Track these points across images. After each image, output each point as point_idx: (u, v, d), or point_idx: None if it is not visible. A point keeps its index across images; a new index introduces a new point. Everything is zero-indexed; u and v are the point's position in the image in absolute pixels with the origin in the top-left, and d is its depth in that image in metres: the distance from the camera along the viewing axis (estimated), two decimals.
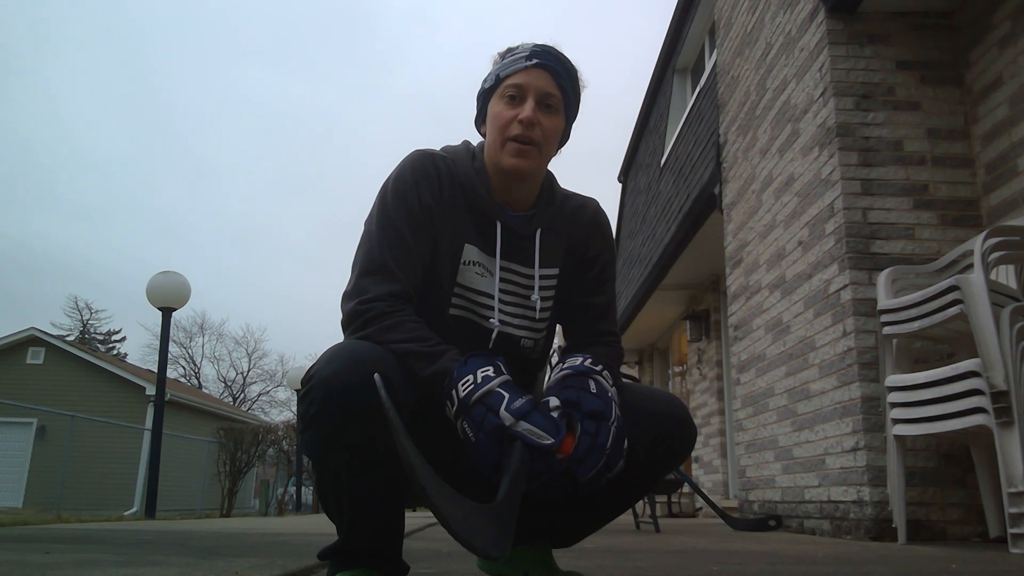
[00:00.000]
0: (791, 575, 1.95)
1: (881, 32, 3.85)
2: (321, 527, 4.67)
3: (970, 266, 3.00)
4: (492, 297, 1.43)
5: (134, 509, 14.71)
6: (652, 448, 1.38)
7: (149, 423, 14.43)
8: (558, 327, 1.58)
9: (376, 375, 1.13)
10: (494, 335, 1.43)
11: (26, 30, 53.57)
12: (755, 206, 5.00)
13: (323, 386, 1.18)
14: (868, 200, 3.63)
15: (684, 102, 8.48)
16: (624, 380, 1.46)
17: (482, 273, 1.43)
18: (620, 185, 12.30)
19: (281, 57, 66.65)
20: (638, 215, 10.23)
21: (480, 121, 1.50)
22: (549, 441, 1.18)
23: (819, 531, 3.80)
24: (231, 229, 61.00)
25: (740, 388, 5.25)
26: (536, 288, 1.47)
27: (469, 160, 1.46)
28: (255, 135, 65.59)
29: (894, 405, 3.08)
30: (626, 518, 5.46)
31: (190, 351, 36.64)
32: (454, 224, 1.42)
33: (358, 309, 1.30)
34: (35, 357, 18.66)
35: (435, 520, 1.11)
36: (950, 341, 3.25)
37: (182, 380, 33.39)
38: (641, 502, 5.12)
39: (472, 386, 1.21)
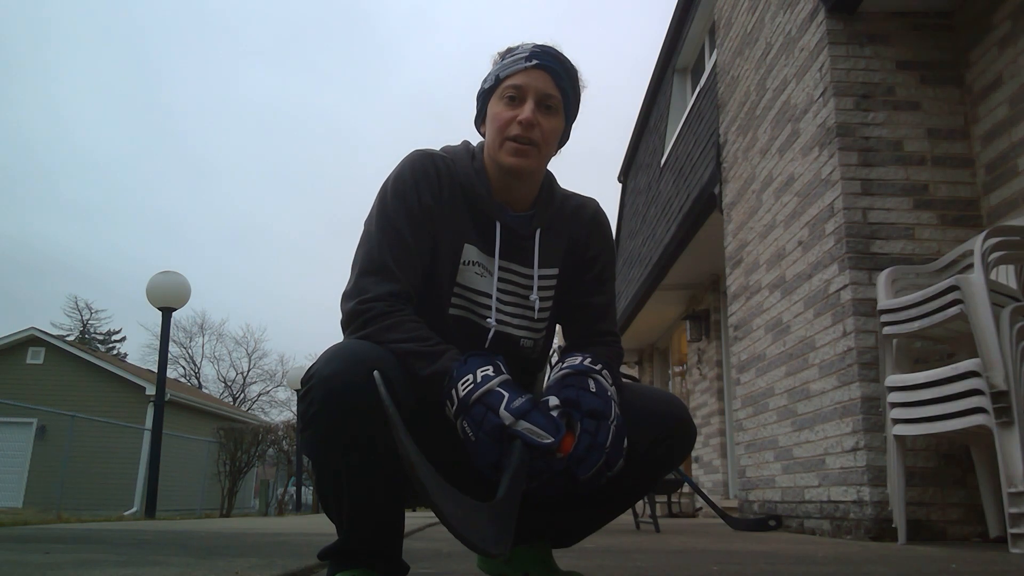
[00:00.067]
0: (791, 575, 1.95)
1: (881, 32, 3.85)
2: (321, 527, 4.67)
3: (970, 266, 3.00)
4: (491, 297, 1.43)
5: (134, 509, 14.70)
6: (652, 448, 1.38)
7: (149, 423, 14.43)
8: (558, 327, 1.58)
9: (376, 372, 1.14)
10: (491, 335, 1.43)
11: (26, 30, 53.66)
12: (755, 206, 5.00)
13: (323, 385, 1.18)
14: (868, 200, 3.63)
15: (684, 102, 8.49)
16: (624, 380, 1.46)
17: (481, 273, 1.44)
18: (620, 185, 12.31)
19: (281, 57, 66.73)
20: (638, 215, 10.23)
21: (480, 121, 1.50)
22: (549, 440, 1.18)
23: (819, 531, 3.80)
24: (231, 229, 61.07)
25: (740, 388, 5.25)
26: (535, 288, 1.47)
27: (469, 160, 1.46)
28: (255, 135, 65.67)
29: (894, 405, 3.08)
30: (626, 518, 5.45)
31: (190, 351, 36.68)
32: (454, 224, 1.42)
33: (358, 309, 1.30)
34: (35, 357, 18.66)
35: (435, 520, 1.11)
36: (950, 341, 3.25)
37: (182, 380, 33.40)
38: (641, 502, 5.12)
39: (472, 385, 1.21)
